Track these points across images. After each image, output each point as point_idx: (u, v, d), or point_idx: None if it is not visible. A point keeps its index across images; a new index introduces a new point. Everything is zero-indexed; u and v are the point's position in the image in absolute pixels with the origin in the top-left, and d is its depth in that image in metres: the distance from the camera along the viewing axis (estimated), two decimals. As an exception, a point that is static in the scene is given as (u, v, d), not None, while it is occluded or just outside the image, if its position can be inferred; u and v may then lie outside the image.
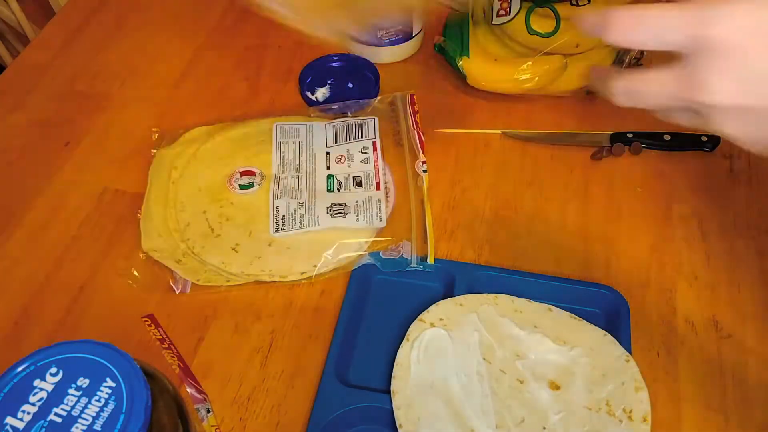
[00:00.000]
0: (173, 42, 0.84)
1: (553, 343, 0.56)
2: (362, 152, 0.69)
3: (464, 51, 0.75)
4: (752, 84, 0.37)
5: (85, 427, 0.33)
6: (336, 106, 0.74)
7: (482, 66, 0.75)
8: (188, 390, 0.55)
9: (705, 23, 0.37)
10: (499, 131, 0.75)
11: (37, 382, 0.35)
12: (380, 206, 0.65)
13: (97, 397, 0.34)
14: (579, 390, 0.53)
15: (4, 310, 0.61)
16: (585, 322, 0.57)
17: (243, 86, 0.79)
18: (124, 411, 0.34)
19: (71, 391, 0.35)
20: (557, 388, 0.54)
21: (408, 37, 0.80)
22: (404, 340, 0.56)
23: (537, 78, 0.74)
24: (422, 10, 0.51)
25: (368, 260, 0.62)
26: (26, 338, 0.59)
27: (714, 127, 0.39)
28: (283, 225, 0.64)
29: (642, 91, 0.41)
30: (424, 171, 0.68)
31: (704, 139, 0.71)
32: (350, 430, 0.53)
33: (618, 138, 0.72)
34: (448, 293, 0.60)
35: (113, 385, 0.35)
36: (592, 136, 0.73)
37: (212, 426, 0.53)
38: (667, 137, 0.71)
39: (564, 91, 0.76)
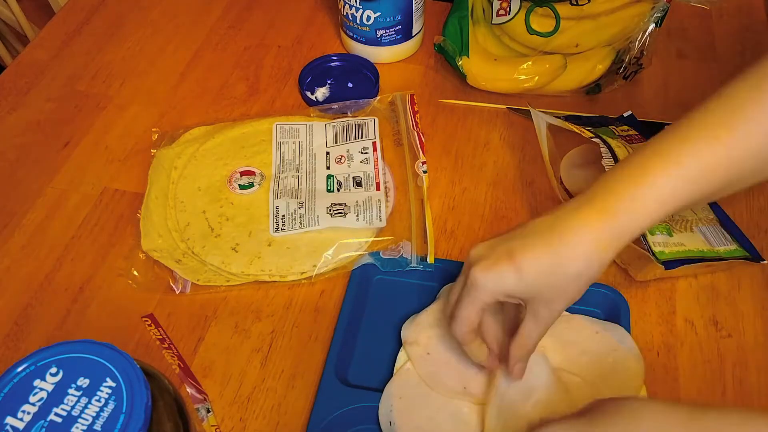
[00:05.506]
0: (173, 42, 0.84)
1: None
2: (362, 152, 0.69)
3: (464, 51, 0.75)
4: None
5: (85, 427, 0.33)
6: (336, 106, 0.74)
7: (482, 66, 0.75)
8: (188, 390, 0.55)
9: None
10: (504, 106, 0.76)
11: (37, 382, 0.35)
12: (380, 206, 0.65)
13: (97, 397, 0.34)
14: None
15: (4, 310, 0.61)
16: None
17: (243, 86, 0.79)
18: (124, 411, 0.34)
19: (71, 391, 0.35)
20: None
21: (408, 36, 0.80)
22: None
23: (536, 78, 0.74)
24: None
25: (368, 260, 0.62)
26: (26, 338, 0.59)
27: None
28: (283, 225, 0.64)
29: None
30: (424, 171, 0.68)
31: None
32: (350, 430, 0.53)
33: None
34: (448, 293, 0.60)
35: (113, 385, 0.35)
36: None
37: (212, 426, 0.53)
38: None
39: (563, 90, 0.76)
